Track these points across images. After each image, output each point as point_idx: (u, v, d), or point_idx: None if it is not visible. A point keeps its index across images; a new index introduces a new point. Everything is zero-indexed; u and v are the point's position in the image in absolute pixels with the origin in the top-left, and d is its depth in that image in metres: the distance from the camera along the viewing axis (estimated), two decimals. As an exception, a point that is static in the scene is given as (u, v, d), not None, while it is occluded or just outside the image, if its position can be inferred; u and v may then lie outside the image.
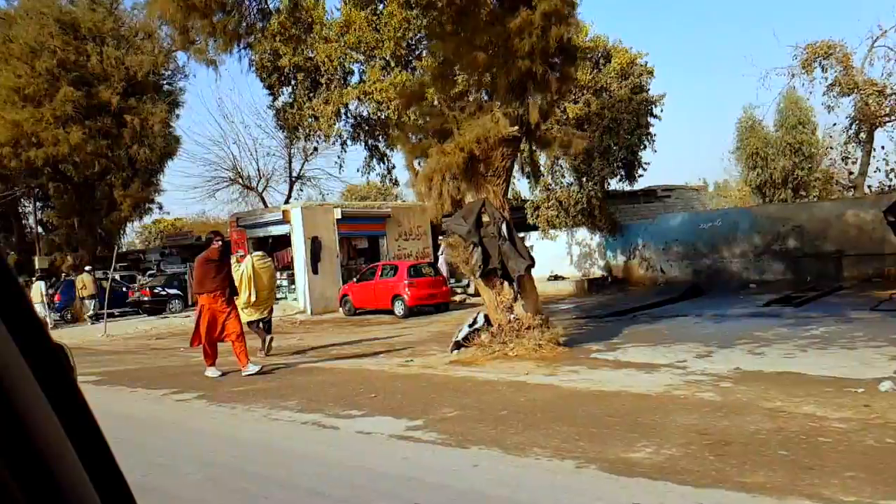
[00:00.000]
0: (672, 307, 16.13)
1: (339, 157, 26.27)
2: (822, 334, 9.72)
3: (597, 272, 23.42)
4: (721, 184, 39.46)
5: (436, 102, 10.21)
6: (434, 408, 6.13)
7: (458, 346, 10.04)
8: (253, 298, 11.68)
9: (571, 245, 23.76)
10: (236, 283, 11.79)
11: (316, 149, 26.84)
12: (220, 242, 8.83)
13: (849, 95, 18.45)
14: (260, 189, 31.00)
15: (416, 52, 22.91)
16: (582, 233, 23.15)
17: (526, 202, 22.78)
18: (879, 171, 19.79)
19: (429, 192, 10.16)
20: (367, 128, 26.26)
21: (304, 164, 30.55)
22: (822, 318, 11.89)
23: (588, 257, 23.60)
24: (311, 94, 24.73)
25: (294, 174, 30.70)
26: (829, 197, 28.49)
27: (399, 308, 18.80)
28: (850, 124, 19.62)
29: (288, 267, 21.54)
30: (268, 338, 11.71)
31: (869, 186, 21.39)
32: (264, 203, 30.73)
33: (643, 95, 20.61)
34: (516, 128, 9.51)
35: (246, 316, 11.78)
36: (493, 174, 9.92)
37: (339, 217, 21.72)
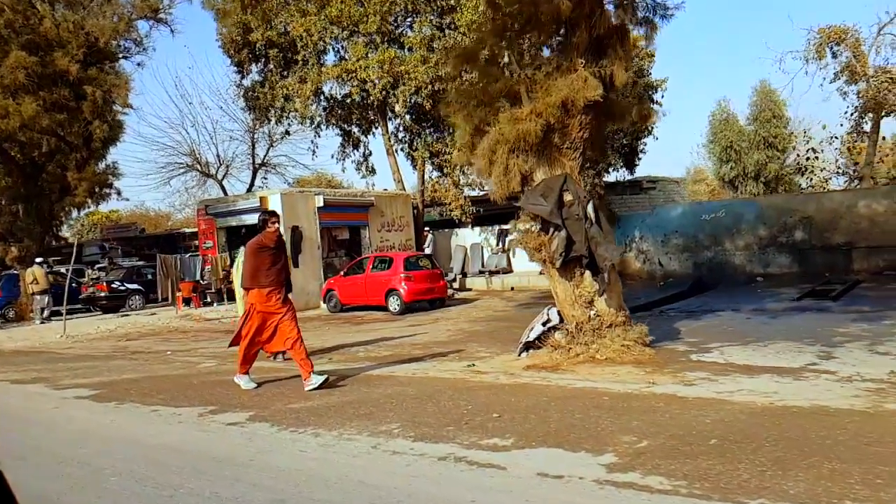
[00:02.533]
0: (690, 302, 15.16)
1: (312, 142, 24.30)
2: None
3: (591, 265, 22.36)
4: (691, 173, 39.34)
5: (506, 59, 8.73)
6: (604, 434, 4.73)
7: (527, 347, 8.66)
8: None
9: (564, 237, 22.63)
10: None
11: (288, 132, 24.85)
12: (276, 225, 7.16)
13: (856, 83, 18.01)
14: (220, 176, 28.73)
15: (408, 24, 21.32)
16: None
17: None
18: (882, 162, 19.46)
19: (489, 168, 8.71)
20: (340, 111, 24.50)
21: (269, 149, 28.47)
22: (882, 311, 11.11)
23: (582, 250, 22.51)
24: (285, 73, 22.80)
25: (258, 161, 28.57)
26: (799, 189, 28.42)
27: (394, 304, 17.25)
28: (853, 113, 19.24)
29: (265, 259, 19.60)
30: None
31: (858, 178, 21.12)
32: (224, 191, 28.49)
33: (646, 80, 19.69)
34: (600, 91, 8.16)
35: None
36: (569, 146, 8.54)
37: (321, 205, 19.97)
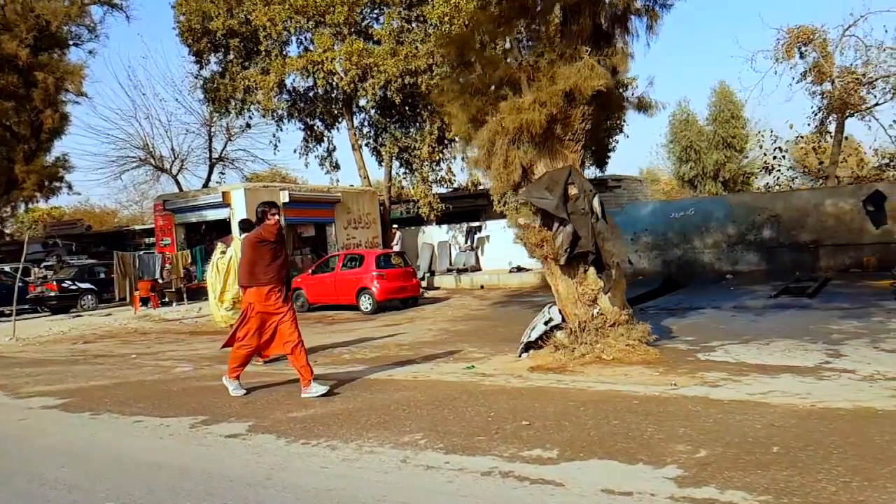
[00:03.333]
0: (667, 300, 15.09)
1: (274, 136, 23.47)
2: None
3: (560, 263, 22.22)
4: (644, 173, 39.79)
5: (507, 45, 8.33)
6: (654, 443, 4.38)
7: (527, 347, 8.30)
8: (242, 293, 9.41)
9: (533, 235, 22.41)
10: (222, 275, 9.51)
11: (249, 125, 23.98)
12: (276, 217, 6.59)
13: (822, 84, 18.30)
14: (174, 171, 27.58)
15: (375, 15, 20.77)
16: (545, 222, 21.87)
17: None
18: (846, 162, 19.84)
19: (488, 159, 8.31)
20: (303, 105, 23.79)
21: (226, 143, 27.47)
22: (864, 308, 11.16)
23: (551, 248, 22.34)
24: (246, 64, 21.99)
25: (215, 155, 27.53)
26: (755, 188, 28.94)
27: (366, 303, 16.73)
28: (817, 113, 19.56)
29: (228, 257, 18.81)
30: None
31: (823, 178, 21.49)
32: (179, 187, 27.38)
33: (617, 77, 19.56)
34: (608, 80, 7.85)
35: (230, 316, 9.50)
36: (571, 137, 8.21)
37: (287, 200, 19.24)
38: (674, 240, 20.43)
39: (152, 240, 25.75)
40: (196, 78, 22.85)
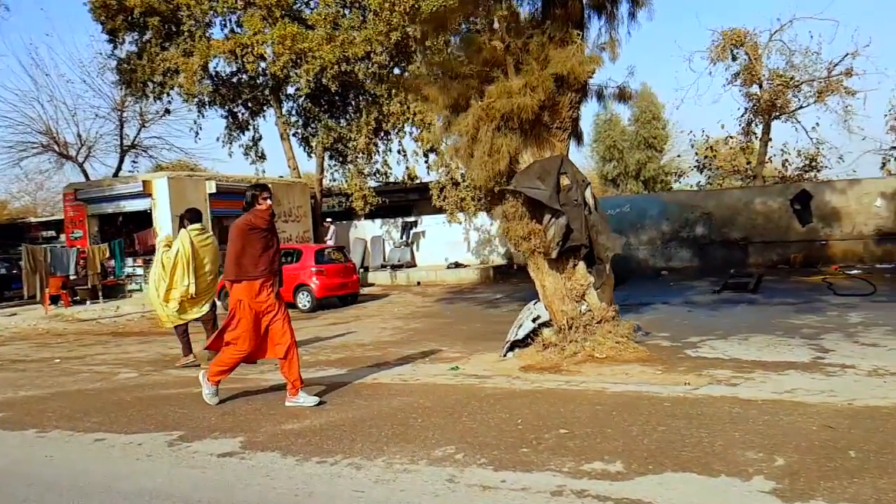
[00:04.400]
0: (618, 295, 15.11)
1: (195, 123, 22.03)
2: (869, 320, 9.07)
3: (497, 259, 22.05)
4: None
5: (495, 25, 7.81)
6: (721, 451, 4.02)
7: (512, 346, 7.87)
8: (193, 290, 8.52)
9: (469, 231, 22.13)
10: (168, 269, 8.57)
11: (168, 110, 22.39)
12: (269, 202, 5.81)
13: (752, 86, 18.91)
14: (80, 159, 25.45)
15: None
16: (481, 218, 21.60)
17: (430, 182, 20.68)
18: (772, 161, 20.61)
19: (471, 147, 7.81)
20: (226, 91, 22.48)
21: (140, 129, 25.60)
22: (811, 303, 11.46)
23: (487, 244, 22.13)
24: (166, 45, 20.49)
25: (127, 142, 25.60)
26: (683, 187, 29.89)
27: (304, 300, 15.91)
28: (744, 114, 20.23)
29: (150, 251, 17.42)
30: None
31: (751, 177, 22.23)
32: (85, 175, 25.30)
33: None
34: (598, 66, 7.52)
35: (177, 316, 8.58)
36: (558, 126, 7.83)
37: (214, 191, 18.07)
38: (610, 236, 20.60)
39: (52, 233, 23.66)
40: (109, 58, 21.11)
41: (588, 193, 7.60)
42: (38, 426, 5.56)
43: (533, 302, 8.13)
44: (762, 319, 9.94)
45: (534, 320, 7.73)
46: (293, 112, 23.36)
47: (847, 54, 18.89)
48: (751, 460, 3.83)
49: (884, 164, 19.74)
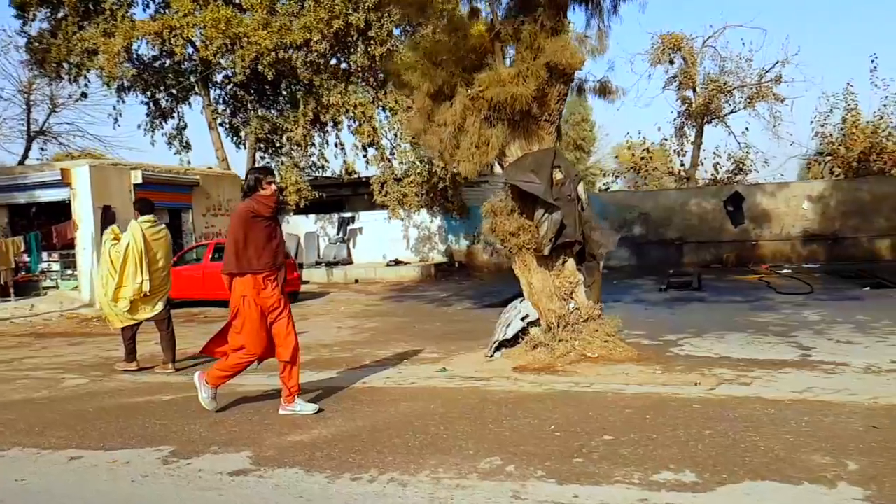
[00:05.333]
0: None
1: (115, 108, 20.57)
2: (827, 317, 9.33)
3: (437, 257, 21.73)
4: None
5: (487, 9, 7.41)
6: (788, 457, 3.83)
7: (499, 346, 7.54)
8: (147, 287, 7.75)
9: (409, 228, 21.70)
10: (118, 265, 7.77)
11: (85, 94, 20.77)
12: (273, 186, 5.17)
13: (687, 90, 19.42)
14: (-20, 144, 23.27)
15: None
16: (422, 215, 21.24)
17: (371, 177, 20.10)
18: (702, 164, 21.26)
19: (455, 138, 7.43)
20: (148, 76, 21.15)
21: (50, 114, 23.68)
22: (761, 301, 11.79)
23: (427, 241, 21.77)
24: (84, 23, 19.00)
25: (35, 128, 23.64)
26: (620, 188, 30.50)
27: (243, 298, 15.02)
28: (677, 118, 20.79)
29: (68, 245, 16.08)
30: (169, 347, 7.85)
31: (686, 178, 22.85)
32: (-14, 163, 23.18)
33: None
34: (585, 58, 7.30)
35: (128, 316, 7.79)
36: (547, 118, 7.56)
37: (139, 182, 16.82)
38: (549, 235, 20.68)
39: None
40: (18, 35, 19.37)
41: (580, 189, 7.38)
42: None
43: (519, 300, 7.83)
44: (725, 317, 10.06)
45: (523, 319, 7.44)
46: (220, 100, 22.24)
47: (777, 62, 19.82)
48: (822, 465, 3.67)
49: (809, 168, 20.73)
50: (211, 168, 20.50)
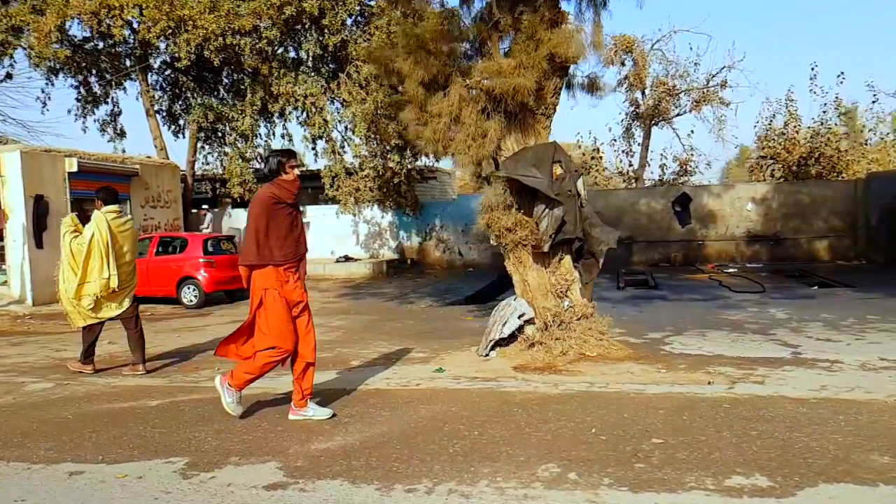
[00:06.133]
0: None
1: (43, 91, 19.22)
2: (795, 316, 9.61)
3: (387, 254, 21.34)
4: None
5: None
6: (845, 458, 3.76)
7: (494, 345, 7.32)
8: (115, 282, 7.14)
9: (359, 223, 21.23)
10: (80, 259, 7.15)
11: (10, 75, 19.29)
12: (296, 171, 4.70)
13: (636, 92, 19.77)
14: None
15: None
16: (373, 210, 20.80)
17: (321, 170, 19.50)
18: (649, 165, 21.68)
19: (448, 130, 7.17)
20: (80, 58, 19.88)
21: (-34, 96, 21.89)
22: (721, 299, 12.03)
23: (378, 237, 21.36)
24: (9, -2, 17.67)
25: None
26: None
27: (191, 295, 14.36)
28: (624, 118, 21.14)
29: (-3, 237, 14.90)
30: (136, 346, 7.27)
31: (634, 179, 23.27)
32: None
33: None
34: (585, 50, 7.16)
35: (92, 315, 7.17)
36: (543, 112, 7.41)
37: (74, 170, 15.78)
38: (501, 232, 20.62)
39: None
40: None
41: (580, 184, 7.25)
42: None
43: (512, 298, 7.64)
44: (695, 315, 10.18)
45: (519, 317, 7.25)
46: (158, 86, 21.14)
47: (724, 67, 20.45)
48: (887, 465, 3.63)
49: (751, 171, 21.47)
50: (150, 158, 19.44)
